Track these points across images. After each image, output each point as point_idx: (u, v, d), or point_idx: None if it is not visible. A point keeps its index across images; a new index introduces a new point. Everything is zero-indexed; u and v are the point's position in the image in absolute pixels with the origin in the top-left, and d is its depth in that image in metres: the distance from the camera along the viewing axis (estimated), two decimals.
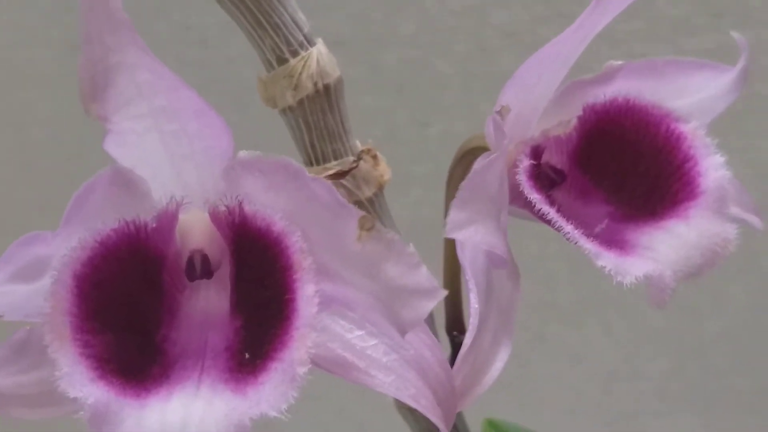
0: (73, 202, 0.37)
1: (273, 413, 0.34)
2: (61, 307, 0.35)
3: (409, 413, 0.50)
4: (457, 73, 1.02)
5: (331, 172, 0.45)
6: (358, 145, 0.47)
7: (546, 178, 0.45)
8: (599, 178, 0.46)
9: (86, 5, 0.35)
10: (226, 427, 0.34)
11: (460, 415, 0.53)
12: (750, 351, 1.09)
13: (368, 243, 0.35)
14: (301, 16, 0.44)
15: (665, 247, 0.42)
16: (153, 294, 0.38)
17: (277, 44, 0.44)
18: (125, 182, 0.37)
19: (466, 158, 0.47)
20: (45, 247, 0.37)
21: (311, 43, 0.45)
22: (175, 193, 0.37)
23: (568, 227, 0.41)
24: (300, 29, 0.44)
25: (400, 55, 1.02)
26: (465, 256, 0.43)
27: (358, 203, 0.46)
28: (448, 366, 0.40)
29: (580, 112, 0.46)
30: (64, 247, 0.36)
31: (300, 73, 0.44)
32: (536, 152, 0.45)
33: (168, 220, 0.37)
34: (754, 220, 0.48)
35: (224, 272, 0.39)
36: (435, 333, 0.46)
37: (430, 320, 0.47)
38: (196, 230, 0.39)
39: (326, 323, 0.38)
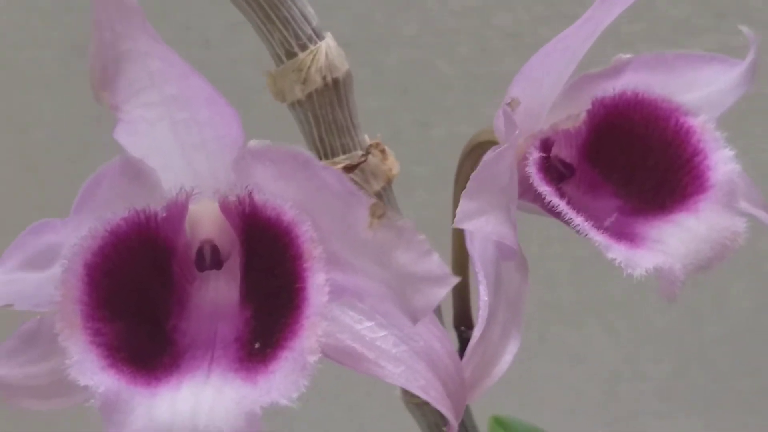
0: (83, 190, 0.37)
1: (284, 401, 0.33)
2: (72, 296, 0.35)
3: (416, 408, 0.49)
4: (459, 74, 1.02)
5: (339, 166, 0.45)
6: (367, 140, 0.47)
7: (555, 172, 0.45)
8: (608, 171, 0.46)
9: None
10: (237, 416, 0.33)
11: (467, 412, 0.53)
12: (751, 352, 1.09)
13: (379, 230, 0.35)
14: (310, 10, 0.44)
15: (675, 240, 0.42)
16: (163, 284, 0.37)
17: (286, 38, 0.44)
18: (135, 172, 0.37)
19: (474, 152, 0.47)
20: (55, 235, 0.37)
21: (320, 37, 0.44)
22: (185, 183, 0.37)
23: (579, 219, 0.41)
24: (309, 23, 0.44)
25: (402, 57, 1.02)
26: (474, 248, 0.43)
27: None
28: (458, 358, 0.40)
29: (589, 106, 0.46)
30: (74, 235, 0.36)
31: (309, 67, 0.44)
32: (545, 145, 0.45)
33: (178, 210, 0.37)
34: (762, 215, 0.48)
35: (234, 262, 0.39)
36: None
37: (438, 315, 0.47)
38: (206, 220, 0.39)
39: (336, 314, 0.38)
